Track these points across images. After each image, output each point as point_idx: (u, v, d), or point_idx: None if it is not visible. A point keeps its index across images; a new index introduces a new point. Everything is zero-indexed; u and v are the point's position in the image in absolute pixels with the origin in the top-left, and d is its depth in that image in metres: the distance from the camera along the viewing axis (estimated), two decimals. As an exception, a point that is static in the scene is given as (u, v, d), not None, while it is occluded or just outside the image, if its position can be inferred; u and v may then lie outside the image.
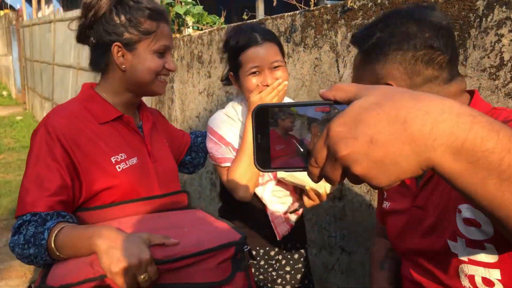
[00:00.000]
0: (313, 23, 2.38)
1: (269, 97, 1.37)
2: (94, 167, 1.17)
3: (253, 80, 1.41)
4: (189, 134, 1.74)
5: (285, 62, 1.51)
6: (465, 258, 0.85)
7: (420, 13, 0.88)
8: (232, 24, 2.85)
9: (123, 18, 1.20)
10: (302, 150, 0.51)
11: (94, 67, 1.29)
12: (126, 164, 1.22)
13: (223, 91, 3.25)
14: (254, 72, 1.41)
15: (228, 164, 1.48)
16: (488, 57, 1.59)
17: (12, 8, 18.04)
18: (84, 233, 1.02)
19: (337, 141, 0.44)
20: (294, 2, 2.76)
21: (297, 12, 2.49)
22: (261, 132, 0.52)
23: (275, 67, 1.42)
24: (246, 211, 1.57)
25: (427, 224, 0.94)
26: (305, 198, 1.46)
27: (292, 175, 1.43)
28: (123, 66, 1.23)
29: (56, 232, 1.02)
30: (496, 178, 0.41)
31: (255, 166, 0.53)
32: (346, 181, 1.70)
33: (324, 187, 1.42)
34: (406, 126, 0.42)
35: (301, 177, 1.43)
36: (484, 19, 1.60)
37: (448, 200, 0.88)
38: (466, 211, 0.84)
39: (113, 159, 1.20)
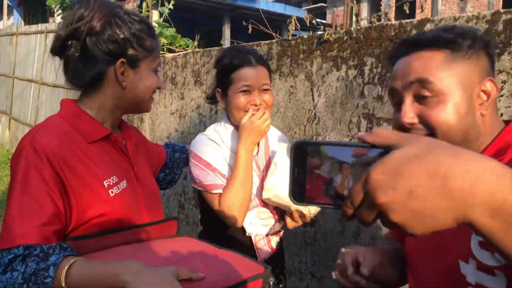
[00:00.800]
0: (289, 52, 2.46)
1: (258, 121, 1.42)
2: (86, 191, 1.07)
3: (242, 98, 1.44)
4: (165, 148, 1.65)
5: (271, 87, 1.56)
6: (472, 282, 0.85)
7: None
8: (226, 46, 2.89)
9: (127, 33, 1.13)
10: (334, 188, 0.53)
11: (76, 81, 1.17)
12: (118, 188, 1.13)
13: (196, 113, 3.27)
14: (244, 91, 1.44)
15: (219, 191, 1.46)
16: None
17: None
18: (107, 269, 0.90)
19: (376, 188, 0.46)
20: (270, 31, 2.84)
21: (274, 40, 2.57)
22: (298, 166, 0.54)
23: (264, 89, 1.47)
24: (228, 235, 1.56)
25: (442, 241, 0.94)
26: (288, 220, 1.47)
27: (278, 196, 1.42)
28: (124, 83, 1.16)
29: (66, 268, 0.90)
30: None
31: (290, 198, 0.55)
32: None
33: (308, 209, 1.44)
34: (446, 182, 0.43)
35: (286, 199, 1.43)
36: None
37: None
38: None
39: (105, 183, 1.10)
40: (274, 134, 1.67)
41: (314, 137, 2.31)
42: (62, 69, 1.17)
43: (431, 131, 0.88)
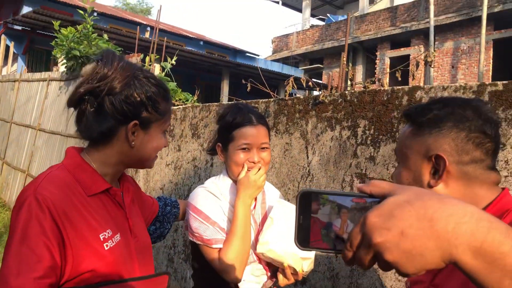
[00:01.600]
0: (285, 111, 2.55)
1: (254, 177, 1.47)
2: (83, 244, 1.07)
3: (241, 155, 1.50)
4: (158, 201, 1.64)
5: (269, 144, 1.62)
6: None
7: (476, 103, 1.02)
8: (228, 102, 2.98)
9: (143, 96, 1.17)
10: (334, 233, 0.58)
11: (87, 134, 1.19)
12: (113, 242, 1.14)
13: (191, 165, 3.30)
14: (244, 148, 1.50)
15: (220, 246, 1.46)
16: None
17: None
18: None
19: (372, 229, 0.51)
20: (267, 90, 2.95)
21: (272, 99, 2.66)
22: (303, 213, 0.60)
23: (263, 148, 1.53)
24: None
25: None
26: (280, 276, 1.47)
27: (272, 250, 1.42)
28: (133, 143, 1.18)
29: None
30: (511, 279, 0.48)
31: (295, 244, 0.59)
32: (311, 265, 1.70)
33: (301, 265, 1.45)
34: (432, 224, 0.49)
35: (280, 253, 1.43)
36: None
37: (467, 281, 0.93)
38: None
39: (101, 236, 1.11)
40: (271, 190, 1.72)
41: (308, 194, 2.34)
42: (74, 120, 1.21)
43: None
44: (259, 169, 1.48)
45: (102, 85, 1.13)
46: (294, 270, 1.44)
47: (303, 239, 0.59)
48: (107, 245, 1.12)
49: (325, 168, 2.26)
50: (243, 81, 3.13)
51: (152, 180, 3.74)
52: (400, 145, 1.06)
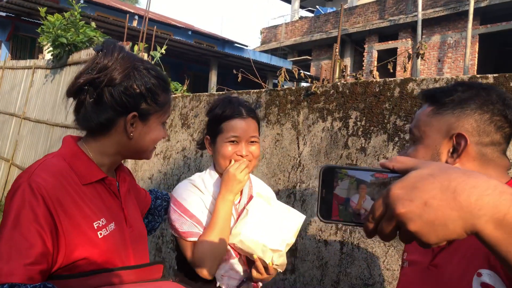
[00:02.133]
0: (277, 102, 2.55)
1: (236, 172, 1.44)
2: (76, 232, 1.07)
3: (229, 148, 1.47)
4: (150, 194, 1.63)
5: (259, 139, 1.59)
6: None
7: (498, 89, 1.05)
8: (219, 94, 2.97)
9: (143, 88, 1.16)
10: (351, 208, 0.62)
11: (85, 124, 1.19)
12: (107, 230, 1.14)
13: (181, 155, 3.29)
14: (232, 141, 1.47)
15: (194, 239, 1.45)
16: (436, 150, 1.79)
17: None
18: None
19: (395, 201, 0.53)
20: (258, 81, 2.95)
21: (263, 90, 2.66)
22: (326, 188, 0.63)
23: (252, 141, 1.51)
24: (200, 285, 1.53)
25: (442, 284, 0.98)
26: (253, 271, 1.45)
27: (243, 241, 1.42)
28: (131, 134, 1.18)
29: None
30: None
31: (318, 216, 0.62)
32: (299, 254, 1.75)
33: (271, 258, 1.42)
34: (456, 195, 0.51)
35: (250, 244, 1.42)
36: None
37: (469, 262, 0.94)
38: (486, 276, 0.89)
39: (95, 225, 1.11)
40: (258, 184, 1.69)
41: (298, 184, 2.35)
42: (73, 109, 1.20)
43: None
44: (243, 165, 1.45)
45: (102, 76, 1.13)
46: (264, 262, 1.42)
47: (326, 213, 0.63)
48: (100, 234, 1.12)
49: (316, 159, 2.28)
50: (234, 71, 3.12)
51: (140, 170, 3.72)
52: (418, 123, 1.06)
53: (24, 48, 14.68)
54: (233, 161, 1.48)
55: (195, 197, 1.52)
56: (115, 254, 1.16)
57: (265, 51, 22.45)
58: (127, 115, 1.16)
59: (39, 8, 6.07)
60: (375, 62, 17.76)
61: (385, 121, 2.00)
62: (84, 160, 1.18)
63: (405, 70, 2.06)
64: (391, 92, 1.99)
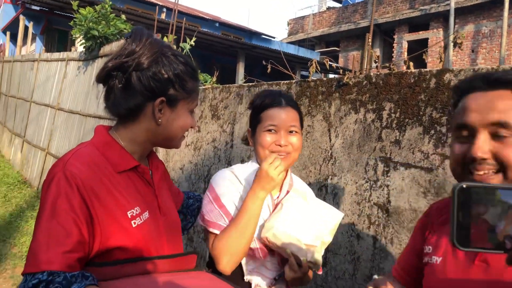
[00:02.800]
0: (308, 93, 2.53)
1: (267, 166, 1.38)
2: (111, 220, 1.08)
3: (268, 138, 1.44)
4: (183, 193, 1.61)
5: (301, 132, 1.53)
6: None
7: None
8: (263, 86, 2.97)
9: (170, 73, 1.16)
10: (499, 233, 0.53)
11: (115, 110, 1.20)
12: (141, 219, 1.15)
13: (211, 146, 3.31)
14: (270, 130, 1.44)
15: (216, 231, 1.42)
16: (474, 143, 1.74)
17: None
18: None
19: None
20: (289, 72, 2.93)
21: (293, 81, 2.64)
22: (463, 210, 0.55)
23: (291, 131, 1.46)
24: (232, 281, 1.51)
25: (494, 281, 0.92)
26: (286, 269, 1.39)
27: (275, 235, 1.37)
28: (160, 120, 1.18)
29: None
30: None
31: (454, 243, 0.55)
32: (330, 247, 1.70)
33: (305, 254, 1.37)
34: None
35: (283, 239, 1.37)
36: (471, 108, 1.76)
37: None
38: None
39: (129, 214, 1.12)
40: (301, 185, 1.63)
41: (330, 177, 2.33)
42: (103, 96, 1.21)
43: (503, 168, 0.91)
44: (274, 160, 1.39)
45: (130, 61, 1.13)
46: (298, 259, 1.36)
47: (463, 239, 0.55)
48: (135, 223, 1.13)
49: (348, 152, 2.25)
50: (264, 63, 3.10)
51: (171, 161, 3.76)
52: (508, 122, 0.91)
53: (57, 41, 15.06)
54: (270, 157, 1.42)
55: (231, 186, 1.48)
56: (150, 243, 1.17)
57: (292, 43, 22.27)
58: (155, 100, 1.17)
59: (71, 2, 6.20)
60: (405, 53, 17.36)
61: (421, 113, 1.95)
62: (117, 148, 1.19)
63: (441, 61, 2.00)
64: (427, 83, 1.93)
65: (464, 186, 0.55)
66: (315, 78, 2.54)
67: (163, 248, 1.23)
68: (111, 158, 1.16)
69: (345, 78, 2.25)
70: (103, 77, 1.18)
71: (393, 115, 2.06)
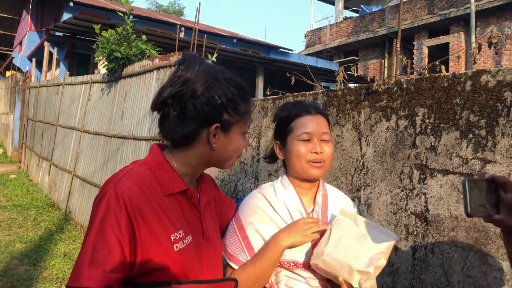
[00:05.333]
0: (335, 102, 2.47)
1: (303, 222, 1.33)
2: (154, 243, 1.09)
3: (302, 148, 1.39)
4: (235, 202, 1.58)
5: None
6: None
7: None
8: (288, 97, 2.94)
9: (224, 98, 1.16)
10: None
11: (170, 136, 1.20)
12: (183, 243, 1.15)
13: (237, 161, 3.28)
14: (304, 140, 1.39)
15: (234, 266, 1.38)
16: (518, 145, 1.65)
17: (19, 70, 18.59)
18: None
19: None
20: (315, 83, 2.88)
21: (319, 91, 2.60)
22: (470, 193, 0.80)
23: (323, 140, 1.41)
24: None
25: None
26: None
27: (325, 262, 1.31)
28: (214, 145, 1.18)
29: None
30: None
31: (467, 214, 0.85)
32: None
33: (358, 281, 1.30)
34: None
35: (334, 265, 1.31)
36: (512, 109, 1.68)
37: None
38: None
39: (172, 237, 1.13)
40: (336, 194, 1.56)
41: (363, 187, 2.26)
42: (158, 122, 1.22)
43: None
44: (313, 223, 1.34)
45: (185, 89, 1.14)
46: (350, 285, 1.30)
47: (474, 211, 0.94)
48: (177, 246, 1.13)
49: (381, 160, 2.18)
50: (287, 74, 3.07)
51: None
52: None
53: (80, 64, 15.45)
54: (304, 163, 1.38)
55: (258, 213, 1.42)
56: (190, 267, 1.16)
57: (310, 54, 22.27)
58: (209, 127, 1.17)
59: (93, 26, 6.33)
60: (426, 59, 17.11)
61: (457, 117, 1.87)
62: (169, 170, 1.19)
63: (474, 62, 1.93)
64: (462, 86, 1.86)
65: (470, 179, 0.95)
66: (343, 87, 2.49)
67: (203, 273, 1.21)
68: (162, 180, 1.17)
69: (374, 85, 2.19)
70: (158, 105, 1.19)
71: (427, 120, 1.99)
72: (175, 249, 1.13)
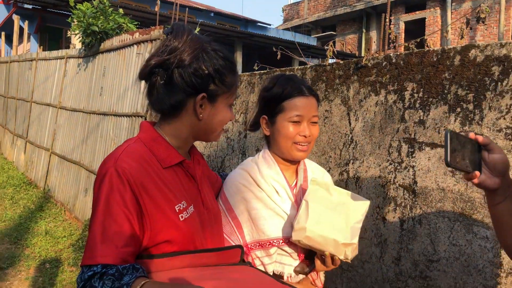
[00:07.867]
0: (324, 77, 2.49)
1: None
2: (160, 215, 1.12)
3: (291, 128, 1.42)
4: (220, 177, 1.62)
5: None
6: None
7: None
8: (276, 73, 2.93)
9: (211, 69, 1.17)
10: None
11: (158, 106, 1.22)
12: (187, 213, 1.17)
13: (223, 137, 3.28)
14: (295, 121, 1.41)
15: None
16: (504, 118, 1.71)
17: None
18: None
19: None
20: (302, 58, 2.88)
21: (308, 66, 2.60)
22: (451, 145, 0.99)
23: (313, 122, 1.44)
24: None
25: None
26: (318, 262, 1.40)
27: (310, 238, 1.34)
28: (201, 115, 1.20)
29: None
30: None
31: (447, 163, 0.95)
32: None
33: (344, 252, 1.35)
34: None
35: (319, 241, 1.35)
36: (499, 83, 1.73)
37: None
38: None
39: (176, 208, 1.15)
40: (314, 168, 1.60)
41: (351, 161, 2.30)
42: (146, 93, 1.24)
43: None
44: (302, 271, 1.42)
45: (172, 58, 1.15)
46: (333, 256, 1.35)
47: (451, 162, 0.96)
48: (182, 216, 1.16)
49: (370, 134, 2.22)
50: (274, 49, 3.06)
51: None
52: None
53: (51, 38, 14.93)
54: (290, 144, 1.42)
55: (244, 192, 1.45)
56: (196, 235, 1.20)
57: (288, 29, 22.11)
58: (196, 96, 1.18)
59: (68, -2, 6.10)
60: (403, 34, 17.24)
61: (445, 91, 1.91)
62: (163, 144, 1.21)
63: (462, 37, 1.96)
64: (451, 60, 1.90)
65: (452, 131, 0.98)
66: (332, 62, 2.50)
67: (206, 241, 1.25)
68: (158, 153, 1.19)
69: (364, 60, 2.21)
70: (146, 74, 1.20)
71: (415, 95, 2.02)
72: (181, 219, 1.15)
